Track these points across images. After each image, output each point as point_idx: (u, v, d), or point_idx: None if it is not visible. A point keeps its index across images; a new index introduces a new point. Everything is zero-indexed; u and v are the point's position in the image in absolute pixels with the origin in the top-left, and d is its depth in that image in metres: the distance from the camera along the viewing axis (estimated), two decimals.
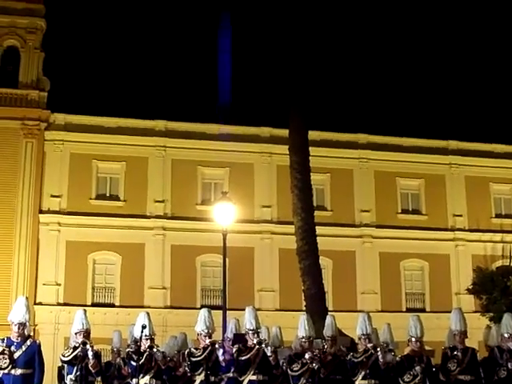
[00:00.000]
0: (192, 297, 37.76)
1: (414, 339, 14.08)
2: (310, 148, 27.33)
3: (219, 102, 42.87)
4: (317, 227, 26.55)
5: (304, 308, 24.61)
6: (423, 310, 38.69)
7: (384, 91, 49.77)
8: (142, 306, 33.76)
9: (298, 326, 14.68)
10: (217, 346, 13.59)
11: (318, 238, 26.28)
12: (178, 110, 39.90)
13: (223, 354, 13.39)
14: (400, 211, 41.67)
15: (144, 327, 13.22)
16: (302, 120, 26.93)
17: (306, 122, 27.21)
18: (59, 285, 37.12)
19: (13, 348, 12.32)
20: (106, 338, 17.96)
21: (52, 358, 17.40)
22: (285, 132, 28.89)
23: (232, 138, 39.79)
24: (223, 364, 13.49)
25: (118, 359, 15.56)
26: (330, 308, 30.28)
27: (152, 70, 50.77)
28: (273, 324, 17.46)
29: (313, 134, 29.93)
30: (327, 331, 15.18)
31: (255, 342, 13.69)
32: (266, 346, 13.67)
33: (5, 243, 36.55)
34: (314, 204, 27.47)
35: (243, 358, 13.57)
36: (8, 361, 12.16)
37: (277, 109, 33.01)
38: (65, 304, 36.19)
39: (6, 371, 12.13)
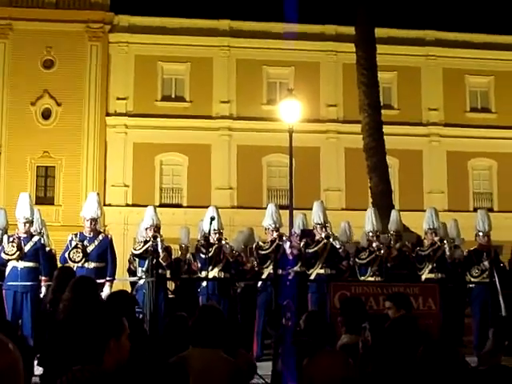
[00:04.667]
0: (258, 197, 37.91)
1: (481, 233, 14.00)
2: (377, 46, 26.71)
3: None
4: (384, 126, 26.19)
5: (370, 206, 24.53)
6: (491, 210, 37.91)
7: None
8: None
9: (364, 222, 14.70)
10: (284, 238, 13.73)
11: (384, 136, 26.02)
12: (242, 8, 39.31)
13: (290, 247, 13.53)
14: (469, 109, 40.91)
15: (213, 219, 13.39)
16: (369, 14, 26.29)
17: (373, 17, 26.58)
18: (127, 186, 37.75)
19: (85, 242, 12.70)
20: (175, 238, 18.19)
21: (122, 258, 17.66)
22: (350, 29, 28.31)
23: (297, 36, 39.20)
24: (290, 257, 13.65)
25: (188, 255, 15.83)
26: (397, 207, 30.04)
27: None
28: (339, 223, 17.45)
29: (379, 31, 29.23)
30: (392, 226, 15.19)
31: (323, 235, 13.77)
32: (334, 240, 13.76)
33: (73, 146, 37.09)
34: (381, 103, 27.06)
35: (310, 250, 13.68)
36: (81, 254, 12.55)
37: (342, 5, 32.21)
38: (133, 205, 36.70)
39: (79, 264, 12.53)
